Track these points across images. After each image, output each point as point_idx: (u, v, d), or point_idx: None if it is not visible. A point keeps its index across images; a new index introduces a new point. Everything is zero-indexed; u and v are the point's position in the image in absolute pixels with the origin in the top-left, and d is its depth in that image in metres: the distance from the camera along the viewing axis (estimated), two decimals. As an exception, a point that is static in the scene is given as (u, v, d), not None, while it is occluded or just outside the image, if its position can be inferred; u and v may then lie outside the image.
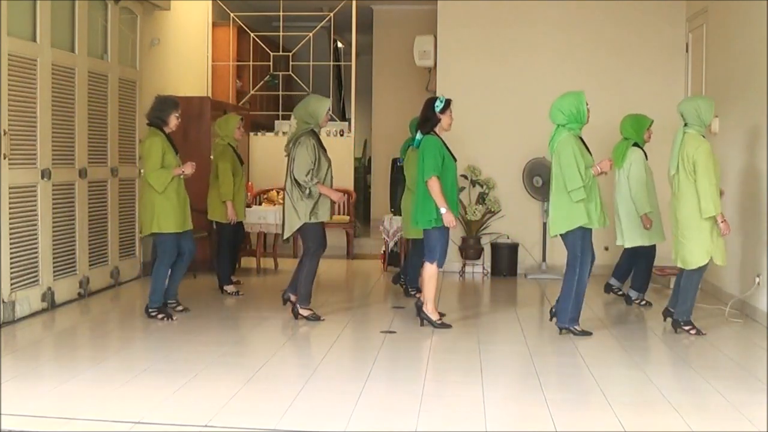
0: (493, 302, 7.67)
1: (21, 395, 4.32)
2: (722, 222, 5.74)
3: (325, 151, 6.38)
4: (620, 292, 7.40)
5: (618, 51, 8.85)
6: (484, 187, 8.70)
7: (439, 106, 6.12)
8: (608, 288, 7.50)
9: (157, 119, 6.32)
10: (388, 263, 9.20)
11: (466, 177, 8.77)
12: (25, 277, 6.26)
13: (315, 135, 6.33)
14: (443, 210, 5.96)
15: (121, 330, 6.24)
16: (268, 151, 10.31)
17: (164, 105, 6.37)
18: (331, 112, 6.50)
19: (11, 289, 6.07)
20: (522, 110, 8.80)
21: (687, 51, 8.63)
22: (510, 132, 8.90)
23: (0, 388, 4.35)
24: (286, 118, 11.69)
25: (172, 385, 4.49)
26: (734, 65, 7.16)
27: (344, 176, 10.68)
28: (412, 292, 7.51)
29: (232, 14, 10.89)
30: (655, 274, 8.34)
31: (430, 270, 6.12)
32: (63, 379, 4.60)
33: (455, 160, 6.26)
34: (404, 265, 7.87)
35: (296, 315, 6.35)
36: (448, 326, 6.16)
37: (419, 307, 6.23)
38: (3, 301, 5.98)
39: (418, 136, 6.21)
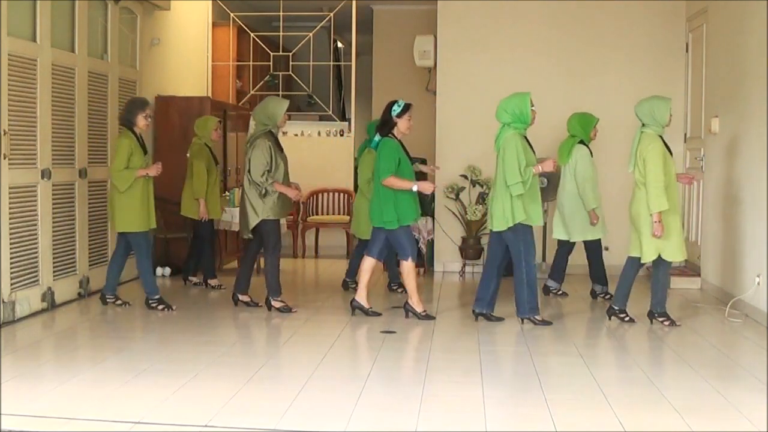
0: (493, 302, 7.65)
1: (21, 395, 4.32)
2: (656, 222, 5.85)
3: (281, 150, 6.58)
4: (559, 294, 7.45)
5: (618, 51, 8.85)
6: (484, 187, 8.70)
7: (396, 110, 6.28)
8: (594, 294, 7.44)
9: (126, 120, 6.54)
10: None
11: (466, 177, 8.77)
12: (25, 277, 6.26)
13: (272, 136, 6.54)
14: (414, 187, 6.17)
15: (121, 330, 6.24)
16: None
17: (131, 106, 6.60)
18: (289, 113, 6.66)
19: (11, 289, 6.07)
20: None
21: (687, 51, 8.62)
22: (510, 132, 8.88)
23: (0, 388, 4.35)
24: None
25: (172, 385, 4.49)
26: (734, 65, 7.16)
27: (344, 176, 10.70)
28: (353, 286, 7.49)
29: (232, 14, 10.89)
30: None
31: (407, 267, 6.31)
32: (63, 379, 4.60)
33: (412, 162, 6.47)
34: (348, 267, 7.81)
35: (269, 307, 6.60)
36: (432, 317, 6.40)
37: (356, 306, 6.47)
38: (3, 301, 5.98)
39: (376, 138, 6.37)
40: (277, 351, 5.48)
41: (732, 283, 7.03)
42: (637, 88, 8.79)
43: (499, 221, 6.06)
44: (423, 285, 8.27)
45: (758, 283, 6.42)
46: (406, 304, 6.44)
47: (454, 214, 8.89)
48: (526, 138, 6.08)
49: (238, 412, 4.09)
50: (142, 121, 6.51)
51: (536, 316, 6.15)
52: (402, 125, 6.29)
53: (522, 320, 6.17)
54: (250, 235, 6.57)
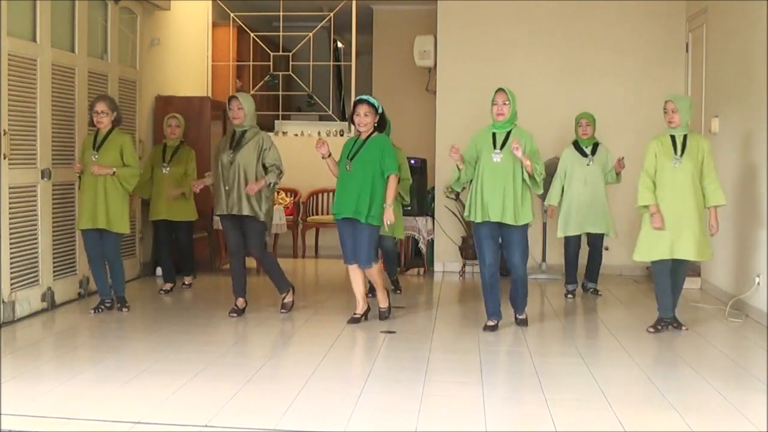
0: (493, 302, 7.65)
1: (21, 395, 4.32)
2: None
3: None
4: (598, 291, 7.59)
5: (618, 51, 8.85)
6: (484, 187, 8.69)
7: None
8: (585, 289, 7.63)
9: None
10: (388, 263, 9.20)
11: (466, 177, 8.76)
12: (25, 277, 6.26)
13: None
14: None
15: (121, 330, 6.24)
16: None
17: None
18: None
19: (11, 289, 6.07)
20: (521, 110, 8.77)
21: (687, 51, 8.63)
22: (510, 132, 8.89)
23: (0, 388, 4.35)
24: (286, 118, 11.71)
25: (172, 385, 4.49)
26: (734, 65, 7.16)
27: (344, 176, 10.68)
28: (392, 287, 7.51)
29: (232, 14, 10.89)
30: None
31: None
32: (63, 379, 4.60)
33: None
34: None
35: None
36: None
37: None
38: (3, 301, 5.98)
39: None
40: (277, 351, 5.48)
41: (732, 283, 7.03)
42: (637, 88, 8.82)
43: (528, 214, 5.92)
44: (424, 285, 8.27)
45: (758, 283, 6.42)
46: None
47: (454, 214, 8.89)
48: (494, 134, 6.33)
49: (238, 412, 4.09)
50: (93, 117, 6.42)
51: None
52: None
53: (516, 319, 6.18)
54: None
